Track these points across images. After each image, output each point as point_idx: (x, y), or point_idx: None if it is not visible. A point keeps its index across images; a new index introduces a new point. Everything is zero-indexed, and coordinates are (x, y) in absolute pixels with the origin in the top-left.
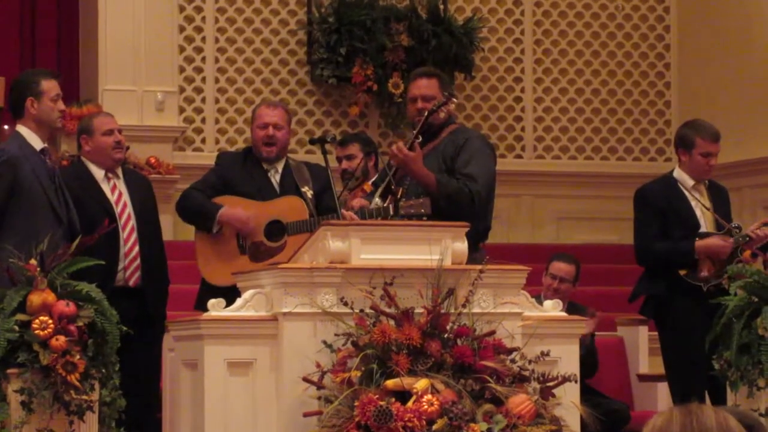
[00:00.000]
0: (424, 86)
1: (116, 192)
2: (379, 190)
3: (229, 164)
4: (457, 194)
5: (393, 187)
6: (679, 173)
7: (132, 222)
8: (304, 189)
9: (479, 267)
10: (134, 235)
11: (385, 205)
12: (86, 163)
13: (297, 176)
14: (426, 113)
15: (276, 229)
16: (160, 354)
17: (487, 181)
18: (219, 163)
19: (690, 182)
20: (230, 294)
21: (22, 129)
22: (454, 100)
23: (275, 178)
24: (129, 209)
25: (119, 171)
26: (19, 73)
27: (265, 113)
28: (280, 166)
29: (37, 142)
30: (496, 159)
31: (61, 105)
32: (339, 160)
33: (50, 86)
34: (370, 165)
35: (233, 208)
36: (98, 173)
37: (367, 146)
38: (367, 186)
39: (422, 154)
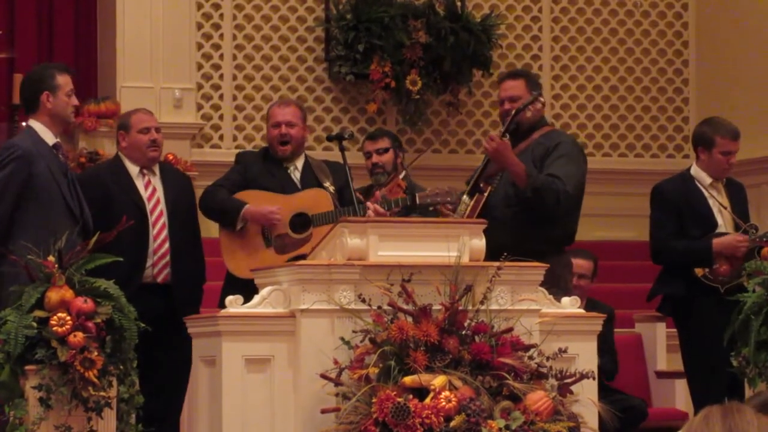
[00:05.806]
0: (510, 87)
1: (150, 188)
2: (468, 188)
3: (249, 162)
4: (545, 189)
5: (481, 185)
6: (696, 171)
7: (164, 218)
8: (326, 184)
9: (497, 264)
10: (165, 232)
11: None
12: (122, 159)
13: (317, 173)
14: (513, 112)
15: (300, 222)
16: (190, 352)
17: (576, 186)
18: (239, 161)
19: (707, 180)
20: (254, 289)
21: (35, 124)
22: (542, 99)
23: (295, 175)
24: (161, 206)
25: (156, 168)
26: None
27: (277, 112)
28: (299, 164)
29: (49, 137)
30: (586, 164)
31: (74, 100)
32: (369, 154)
33: (65, 81)
34: (398, 161)
35: (257, 204)
36: (133, 169)
37: (395, 141)
38: (401, 182)
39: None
